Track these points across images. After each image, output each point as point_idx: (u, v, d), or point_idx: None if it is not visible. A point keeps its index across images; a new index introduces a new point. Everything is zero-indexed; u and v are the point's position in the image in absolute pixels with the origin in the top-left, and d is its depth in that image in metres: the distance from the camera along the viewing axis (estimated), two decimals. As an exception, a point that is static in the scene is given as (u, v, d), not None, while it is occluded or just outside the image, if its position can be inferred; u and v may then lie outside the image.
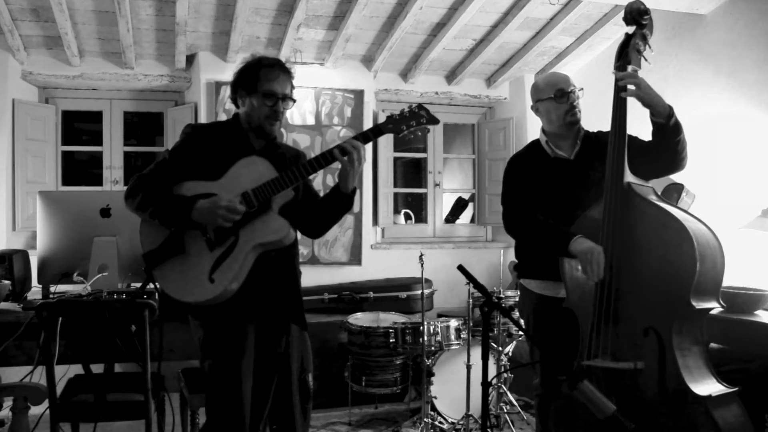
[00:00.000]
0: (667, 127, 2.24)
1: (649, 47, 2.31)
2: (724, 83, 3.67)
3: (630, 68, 2.25)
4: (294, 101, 2.28)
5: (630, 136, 2.33)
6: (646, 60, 2.31)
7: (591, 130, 2.61)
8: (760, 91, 3.47)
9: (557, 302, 2.41)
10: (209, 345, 2.21)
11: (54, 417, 2.47)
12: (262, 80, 2.20)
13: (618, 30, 4.49)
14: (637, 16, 2.27)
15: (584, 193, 2.40)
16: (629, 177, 2.23)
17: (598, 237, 2.22)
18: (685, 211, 2.22)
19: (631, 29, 2.31)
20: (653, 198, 2.22)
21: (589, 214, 2.32)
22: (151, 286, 2.90)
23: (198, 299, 2.11)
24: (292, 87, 2.27)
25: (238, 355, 2.17)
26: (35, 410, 2.74)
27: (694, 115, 3.83)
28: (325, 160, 2.13)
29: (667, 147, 2.29)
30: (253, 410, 2.19)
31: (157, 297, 2.78)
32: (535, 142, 2.64)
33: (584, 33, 4.58)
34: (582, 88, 2.53)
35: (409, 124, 2.15)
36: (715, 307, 2.14)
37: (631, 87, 2.18)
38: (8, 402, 2.78)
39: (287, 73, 2.25)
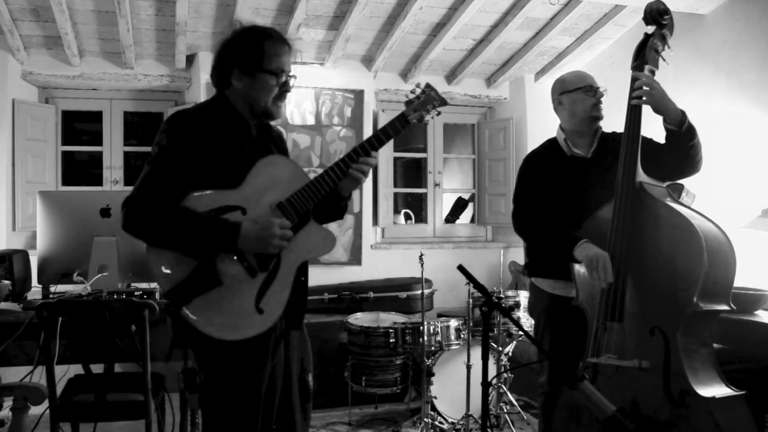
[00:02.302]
0: (680, 133, 2.24)
1: (668, 47, 2.29)
2: (724, 83, 3.67)
3: (647, 68, 2.25)
4: (295, 77, 1.97)
5: (645, 138, 2.34)
6: (664, 60, 2.29)
7: (607, 131, 2.60)
8: (760, 91, 3.47)
9: (569, 301, 2.39)
10: (221, 387, 1.86)
11: (54, 417, 2.48)
12: (270, 55, 1.87)
13: (618, 30, 4.50)
14: (656, 16, 2.25)
15: (600, 192, 2.38)
16: (642, 177, 2.22)
17: (606, 237, 2.21)
18: (699, 213, 2.18)
19: (650, 29, 2.28)
20: (665, 198, 2.20)
21: (598, 214, 2.31)
22: (153, 285, 2.93)
23: (247, 335, 1.79)
24: None
25: (259, 394, 1.89)
26: (35, 410, 2.73)
27: (694, 115, 3.80)
28: (347, 163, 1.95)
29: (680, 151, 2.29)
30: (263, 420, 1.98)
31: (158, 299, 2.79)
32: (552, 140, 2.64)
33: (584, 33, 4.59)
34: (606, 89, 2.54)
35: (427, 109, 2.05)
36: (725, 310, 2.11)
37: (643, 97, 2.20)
38: (8, 402, 2.78)
39: (289, 47, 1.95)
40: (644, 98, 2.20)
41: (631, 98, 2.24)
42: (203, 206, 1.79)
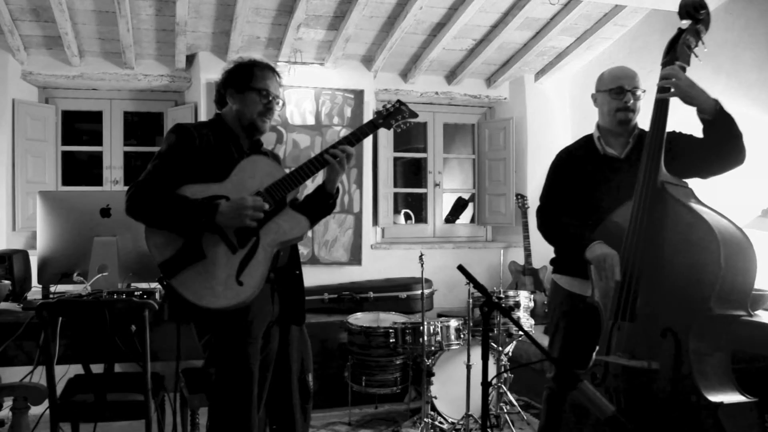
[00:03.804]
0: (716, 122, 2.19)
1: (702, 43, 2.22)
2: (724, 83, 3.67)
3: (677, 65, 2.19)
4: (284, 103, 2.34)
5: (684, 135, 2.32)
6: (696, 57, 2.22)
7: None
8: (760, 91, 3.47)
9: (585, 300, 2.37)
10: (220, 351, 2.13)
11: (54, 417, 2.48)
12: (257, 78, 2.23)
13: (618, 30, 4.50)
14: (691, 10, 2.18)
15: (630, 192, 2.30)
16: (665, 176, 2.17)
17: (622, 236, 2.18)
18: (722, 215, 2.13)
19: (685, 24, 2.22)
20: (687, 199, 2.15)
21: (617, 212, 2.28)
22: (153, 285, 2.93)
23: (228, 304, 2.05)
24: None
25: (250, 362, 2.12)
26: (35, 410, 2.74)
27: (694, 115, 3.82)
28: (321, 160, 2.22)
29: (719, 142, 2.22)
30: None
31: (159, 299, 2.79)
32: (589, 137, 2.60)
33: (584, 33, 4.59)
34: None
35: (396, 118, 2.35)
36: (742, 315, 2.05)
37: (672, 89, 2.15)
38: (8, 402, 2.78)
39: (278, 77, 2.32)
40: (671, 90, 2.14)
41: (657, 91, 2.18)
42: (194, 196, 2.08)
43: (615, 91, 2.44)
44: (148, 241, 2.09)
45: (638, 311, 2.13)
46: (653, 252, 2.12)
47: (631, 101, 2.43)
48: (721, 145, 2.24)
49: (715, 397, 1.98)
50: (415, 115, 2.39)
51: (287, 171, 2.22)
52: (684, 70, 2.20)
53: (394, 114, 2.35)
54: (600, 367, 2.19)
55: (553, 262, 2.70)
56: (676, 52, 2.19)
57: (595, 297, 2.30)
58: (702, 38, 2.22)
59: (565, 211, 2.51)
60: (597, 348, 2.26)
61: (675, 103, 2.22)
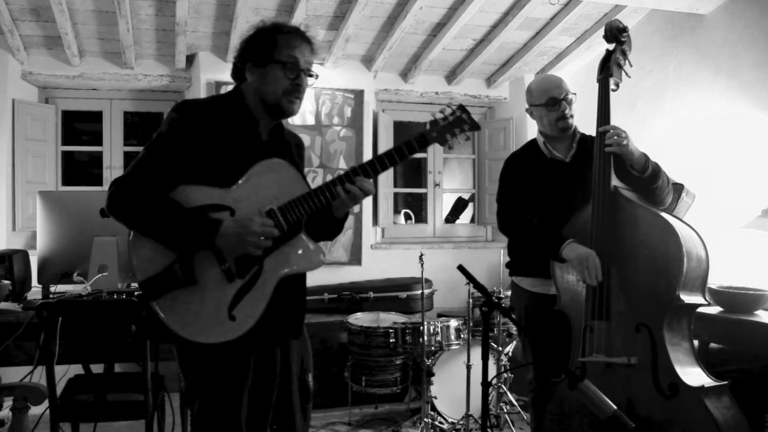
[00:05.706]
0: (643, 179, 2.34)
1: (629, 62, 2.44)
2: (724, 83, 3.67)
3: (612, 81, 2.40)
4: (316, 77, 1.88)
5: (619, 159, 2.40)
6: (626, 74, 2.44)
7: (587, 133, 2.64)
8: (760, 91, 3.47)
9: (549, 299, 2.46)
10: (204, 382, 1.83)
11: (54, 417, 2.48)
12: (282, 46, 1.80)
13: (618, 30, 4.49)
14: (617, 33, 2.41)
15: (579, 195, 2.43)
16: (616, 182, 2.32)
17: (587, 239, 2.28)
18: (669, 213, 2.30)
19: (611, 46, 2.43)
20: (638, 200, 2.32)
21: (578, 216, 2.38)
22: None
23: (215, 339, 1.73)
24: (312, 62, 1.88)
25: (239, 394, 1.84)
26: (35, 410, 2.74)
27: (694, 115, 3.83)
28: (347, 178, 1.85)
29: (645, 192, 2.39)
30: (256, 424, 1.96)
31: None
32: (533, 142, 2.68)
33: (584, 33, 4.58)
34: (575, 93, 2.57)
35: (453, 132, 1.88)
36: (702, 303, 2.22)
37: (614, 147, 2.27)
38: (8, 402, 2.78)
39: (309, 43, 1.86)
40: (614, 148, 2.27)
41: (601, 141, 2.32)
42: (192, 201, 1.73)
43: (549, 103, 2.52)
44: (132, 251, 1.74)
45: (611, 309, 2.23)
46: (617, 251, 2.25)
47: (567, 109, 2.52)
48: (647, 194, 2.39)
49: (694, 382, 2.10)
50: (478, 127, 1.93)
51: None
52: (617, 86, 2.42)
53: (452, 125, 1.87)
54: (578, 370, 2.24)
55: (509, 265, 2.74)
56: (610, 69, 2.40)
57: (562, 303, 2.39)
58: (628, 57, 2.44)
59: (523, 211, 2.54)
60: (572, 353, 2.33)
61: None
